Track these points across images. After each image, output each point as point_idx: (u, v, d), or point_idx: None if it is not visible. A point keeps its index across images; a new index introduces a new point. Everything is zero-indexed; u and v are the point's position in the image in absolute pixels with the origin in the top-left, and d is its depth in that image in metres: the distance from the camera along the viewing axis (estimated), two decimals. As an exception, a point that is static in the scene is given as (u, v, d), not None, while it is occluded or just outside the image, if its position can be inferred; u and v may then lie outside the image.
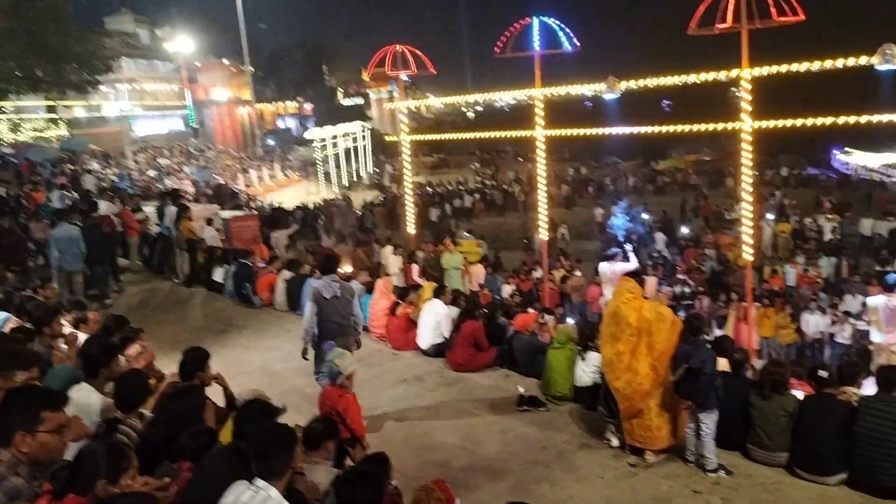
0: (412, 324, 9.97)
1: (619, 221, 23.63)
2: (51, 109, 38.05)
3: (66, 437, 3.38)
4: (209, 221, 16.07)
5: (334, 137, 41.11)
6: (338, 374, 5.91)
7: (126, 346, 6.29)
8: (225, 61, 55.94)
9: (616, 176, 38.28)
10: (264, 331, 11.26)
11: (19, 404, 3.27)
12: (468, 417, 7.61)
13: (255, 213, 22.45)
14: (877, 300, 9.77)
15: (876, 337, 9.75)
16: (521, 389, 7.90)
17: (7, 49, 16.97)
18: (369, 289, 10.97)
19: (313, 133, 41.85)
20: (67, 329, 7.08)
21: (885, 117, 10.39)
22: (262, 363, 9.61)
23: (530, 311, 11.52)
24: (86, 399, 4.90)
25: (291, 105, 66.04)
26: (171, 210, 14.39)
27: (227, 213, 18.98)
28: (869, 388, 6.18)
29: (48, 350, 6.26)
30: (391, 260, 16.01)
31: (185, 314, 12.49)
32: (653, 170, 40.71)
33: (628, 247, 12.95)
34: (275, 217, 24.11)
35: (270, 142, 55.16)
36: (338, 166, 41.10)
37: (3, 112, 31.41)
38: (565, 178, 37.28)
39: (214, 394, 5.47)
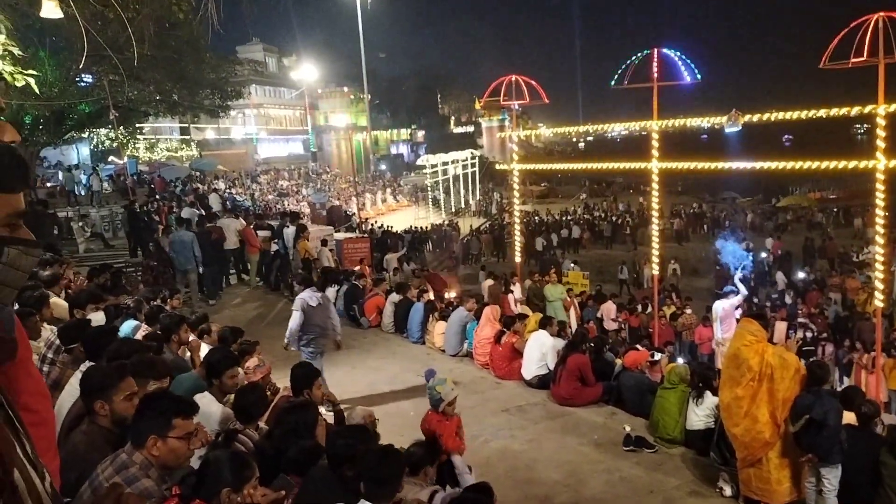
0: (517, 353, 9.92)
1: (732, 256, 22.67)
2: (184, 131, 40.86)
3: (194, 444, 3.57)
4: (324, 242, 16.67)
5: (444, 164, 41.86)
6: (439, 400, 5.96)
7: (244, 358, 6.61)
8: (345, 89, 58.27)
9: (733, 211, 36.80)
10: (371, 351, 11.51)
11: (154, 410, 3.49)
12: (572, 454, 7.45)
13: (367, 235, 23.09)
14: None
15: None
16: (628, 429, 7.68)
17: (149, 75, 18.45)
18: (476, 316, 11.01)
19: (425, 159, 42.76)
20: (191, 338, 7.50)
21: None
22: (369, 383, 9.82)
23: (639, 347, 11.24)
24: (208, 408, 5.16)
25: (405, 132, 67.83)
26: (290, 230, 15.03)
27: (340, 235, 19.64)
28: None
29: (176, 357, 6.65)
30: (487, 287, 15.98)
31: (297, 331, 12.94)
32: (773, 206, 38.90)
33: (739, 281, 12.31)
34: (384, 240, 24.70)
35: (383, 167, 56.75)
36: (447, 193, 41.75)
37: (142, 132, 33.96)
38: (678, 212, 36.23)
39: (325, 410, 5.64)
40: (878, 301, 10.78)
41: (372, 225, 30.93)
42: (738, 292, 11.97)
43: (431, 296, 13.84)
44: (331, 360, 10.83)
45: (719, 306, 12.21)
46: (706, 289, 23.42)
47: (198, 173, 33.05)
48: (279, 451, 4.38)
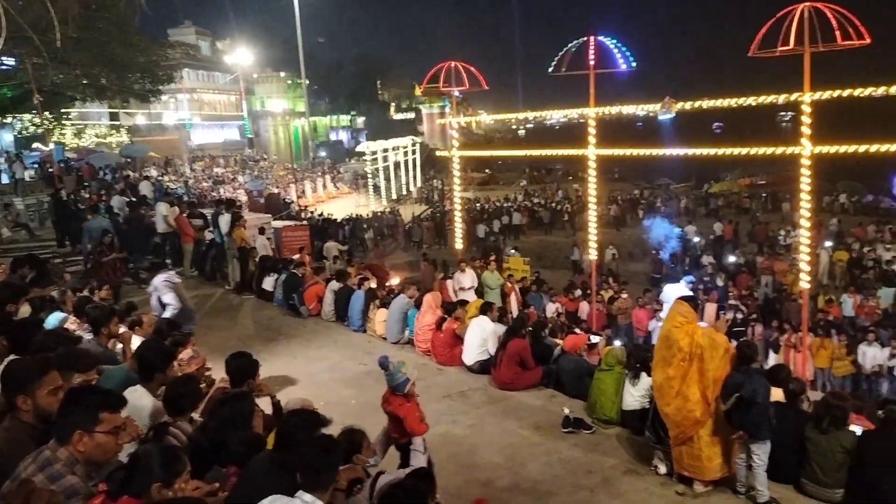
0: (458, 339, 9.95)
1: (662, 233, 23.35)
2: (113, 117, 39.41)
3: (122, 438, 3.45)
4: (261, 230, 16.35)
5: (385, 151, 41.61)
6: (406, 381, 5.94)
7: (177, 350, 6.43)
8: (282, 74, 57.23)
9: (667, 198, 37.74)
10: (312, 340, 11.38)
11: (79, 404, 3.35)
12: (512, 437, 7.53)
13: (306, 223, 22.78)
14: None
15: None
16: (567, 411, 7.80)
17: (75, 58, 17.71)
18: (417, 303, 10.99)
19: (365, 146, 42.41)
20: (122, 330, 7.26)
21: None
22: (309, 373, 9.69)
23: (578, 331, 11.41)
24: (139, 401, 5.00)
25: (345, 118, 67.10)
26: (225, 218, 14.69)
27: (278, 223, 19.30)
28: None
29: (106, 350, 6.43)
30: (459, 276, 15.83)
31: (234, 321, 12.70)
32: (706, 192, 40.06)
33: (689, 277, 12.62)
34: (325, 228, 24.44)
35: (323, 153, 56.07)
36: (387, 180, 41.53)
37: (69, 118, 32.60)
38: (615, 198, 36.94)
39: (262, 401, 5.53)
40: (804, 282, 11.22)
41: (311, 213, 30.55)
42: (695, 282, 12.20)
43: (373, 284, 13.75)
44: (270, 350, 10.69)
45: (670, 291, 12.44)
46: (642, 273, 24.00)
47: (128, 160, 31.95)
48: (215, 444, 4.28)
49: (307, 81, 52.59)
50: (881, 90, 9.73)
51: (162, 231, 15.02)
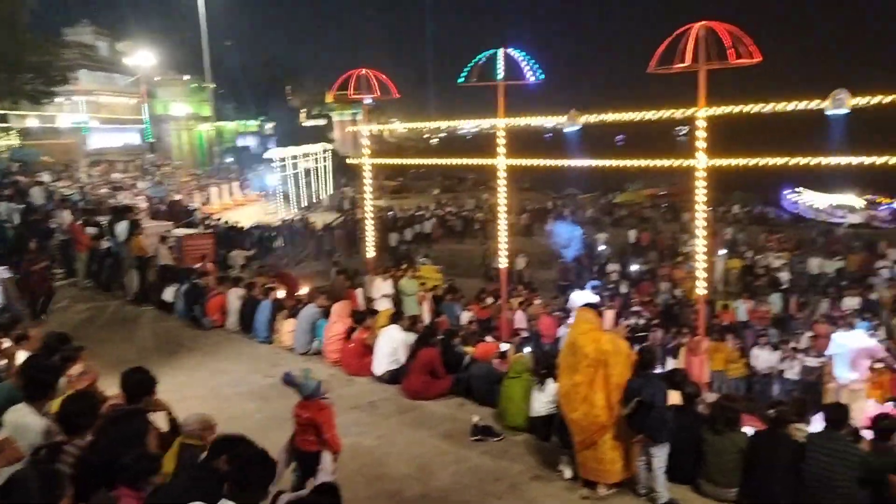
0: (368, 349, 9.85)
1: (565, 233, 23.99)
2: (2, 119, 36.94)
3: None
4: (162, 239, 15.72)
5: (295, 158, 40.88)
6: (319, 383, 5.80)
7: (66, 365, 6.06)
8: (186, 77, 55.34)
9: (575, 207, 38.78)
10: (215, 353, 11.00)
11: None
12: (422, 447, 7.51)
13: (210, 231, 22.05)
14: (844, 338, 10.04)
15: (837, 374, 9.98)
16: (476, 419, 7.84)
17: (-44, 55, 16.53)
18: (326, 313, 10.81)
19: (274, 153, 41.53)
20: (7, 344, 6.81)
21: (833, 160, 10.72)
22: (212, 386, 9.37)
23: (489, 339, 11.50)
24: (23, 420, 4.70)
25: (253, 123, 65.49)
26: (123, 226, 14.05)
27: (180, 231, 18.60)
28: (817, 424, 6.28)
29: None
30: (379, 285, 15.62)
31: (132, 334, 12.14)
32: (610, 202, 41.39)
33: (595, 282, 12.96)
34: (230, 236, 23.74)
35: (229, 159, 54.53)
36: (297, 187, 40.82)
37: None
38: (525, 207, 37.65)
39: (158, 418, 5.29)
40: (701, 289, 11.71)
41: (217, 220, 29.62)
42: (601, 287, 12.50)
43: (281, 293, 13.43)
44: (171, 363, 10.26)
45: (577, 299, 12.73)
46: (552, 280, 24.51)
47: (19, 164, 30.04)
48: (106, 464, 4.05)
49: (213, 85, 51.14)
50: (769, 107, 10.28)
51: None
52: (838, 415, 5.88)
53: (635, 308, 17.77)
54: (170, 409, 5.57)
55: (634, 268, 23.30)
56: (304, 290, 14.78)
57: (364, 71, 15.12)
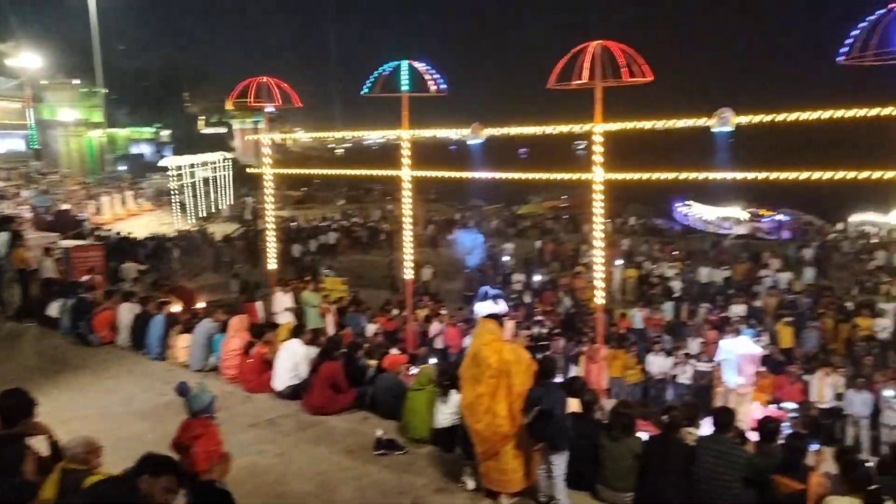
0: (267, 365, 9.56)
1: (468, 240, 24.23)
2: None
3: None
4: (47, 251, 14.80)
5: (192, 166, 39.47)
6: (213, 399, 5.53)
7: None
8: (76, 81, 52.51)
9: (480, 218, 39.29)
10: (103, 371, 10.41)
11: None
12: (323, 463, 7.34)
13: (100, 242, 20.95)
14: (731, 345, 10.52)
15: (725, 379, 10.45)
16: (379, 433, 7.74)
17: None
18: (223, 327, 10.43)
19: (170, 161, 39.95)
20: None
21: (719, 175, 11.36)
22: (100, 407, 8.85)
23: (394, 351, 11.41)
24: None
25: (148, 130, 62.82)
26: (3, 237, 13.13)
27: (68, 243, 17.58)
28: (706, 427, 6.56)
29: None
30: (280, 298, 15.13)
31: (13, 352, 11.35)
32: (514, 214, 42.19)
33: (496, 292, 13.05)
34: (122, 248, 22.64)
35: (122, 167, 52.11)
36: (195, 196, 39.43)
37: None
38: (431, 218, 37.82)
39: (38, 441, 4.93)
40: (599, 298, 12.08)
41: (108, 231, 28.20)
42: (497, 297, 12.61)
43: (176, 308, 12.88)
44: (55, 383, 9.63)
45: (480, 309, 12.80)
46: (457, 291, 24.68)
47: None
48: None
49: (105, 90, 48.81)
50: (661, 123, 10.74)
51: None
52: (725, 418, 6.16)
53: (538, 317, 18.13)
54: (51, 432, 5.19)
55: (537, 278, 23.78)
56: (200, 304, 14.25)
57: (265, 79, 14.81)
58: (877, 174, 8.79)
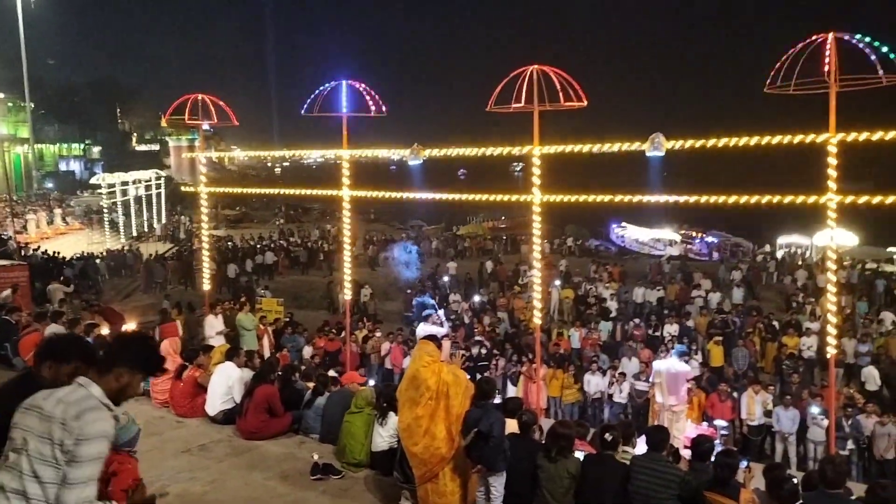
0: (200, 388, 9.28)
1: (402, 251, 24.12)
2: None
3: None
4: (-35, 271, 14.09)
5: (125, 184, 38.34)
6: (139, 432, 5.28)
7: None
8: (1, 95, 50.59)
9: (420, 239, 39.33)
10: (24, 397, 9.90)
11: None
12: (257, 490, 7.14)
13: (23, 262, 20.10)
14: (662, 365, 10.72)
15: (659, 398, 10.64)
16: (316, 457, 7.59)
17: None
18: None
19: (101, 178, 38.73)
20: None
21: (652, 198, 11.66)
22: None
23: (331, 372, 11.23)
24: None
25: (77, 147, 60.83)
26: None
27: (-11, 262, 16.80)
28: (641, 446, 6.65)
29: None
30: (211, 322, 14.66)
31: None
32: (454, 234, 42.43)
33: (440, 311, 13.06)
34: (48, 268, 21.77)
35: (49, 185, 50.27)
36: (127, 215, 38.28)
37: None
38: (371, 238, 37.65)
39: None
40: (537, 318, 12.21)
41: (34, 250, 27.10)
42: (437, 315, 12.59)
43: (105, 331, 12.39)
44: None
45: (422, 331, 12.77)
46: (397, 312, 24.57)
47: None
48: None
49: (32, 105, 47.12)
50: (596, 147, 10.99)
51: None
52: (658, 437, 6.26)
53: (478, 337, 18.19)
54: None
55: (476, 298, 23.89)
56: (130, 326, 13.76)
57: (200, 96, 14.55)
58: (800, 199, 9.16)
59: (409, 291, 24.05)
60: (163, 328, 13.35)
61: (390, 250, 26.04)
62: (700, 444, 6.37)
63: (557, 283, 25.21)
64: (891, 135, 8.40)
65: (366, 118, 13.46)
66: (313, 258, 33.59)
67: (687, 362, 11.74)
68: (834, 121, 8.69)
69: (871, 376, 15.63)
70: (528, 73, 10.68)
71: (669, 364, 11.44)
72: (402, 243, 25.63)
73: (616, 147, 10.74)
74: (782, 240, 35.01)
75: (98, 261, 28.44)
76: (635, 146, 10.38)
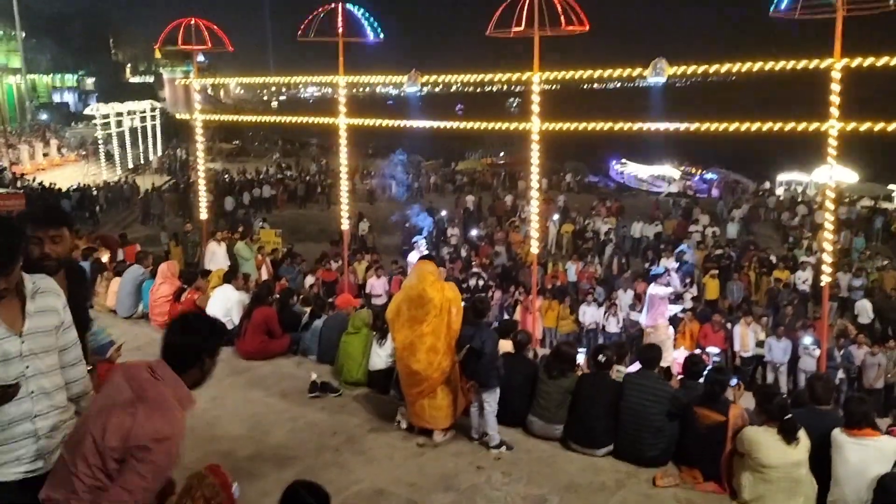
0: (200, 311, 9.36)
1: (420, 218, 24.17)
2: None
3: None
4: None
5: (119, 115, 37.83)
6: (110, 343, 5.34)
7: None
8: (-10, 22, 49.51)
9: (418, 174, 39.12)
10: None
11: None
12: (256, 406, 7.28)
13: (21, 192, 20.02)
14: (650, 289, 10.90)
15: (641, 319, 10.79)
16: (314, 376, 7.72)
17: None
18: (153, 273, 10.15)
19: (95, 109, 38.20)
20: None
21: (654, 125, 11.50)
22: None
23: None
24: None
25: (70, 78, 59.80)
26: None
27: (-15, 191, 16.74)
28: (634, 366, 6.77)
29: None
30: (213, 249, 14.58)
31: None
32: (452, 170, 42.18)
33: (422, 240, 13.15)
34: (45, 199, 21.70)
35: (44, 116, 49.63)
36: (122, 147, 37.92)
37: None
38: (370, 173, 37.46)
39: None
40: (534, 249, 12.23)
41: (29, 181, 26.97)
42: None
43: (105, 257, 12.45)
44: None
45: (413, 257, 12.91)
46: (395, 245, 24.63)
47: None
48: None
49: (23, 34, 46.09)
50: (597, 73, 10.82)
51: None
52: (649, 354, 6.38)
53: (475, 270, 18.28)
54: None
55: (474, 232, 23.94)
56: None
57: (193, 20, 14.18)
58: (801, 126, 9.02)
59: (407, 225, 24.04)
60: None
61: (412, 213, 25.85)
62: (692, 363, 6.49)
63: (556, 217, 25.20)
64: (896, 61, 8.26)
65: (363, 44, 13.20)
66: (311, 192, 33.47)
67: (667, 285, 11.84)
68: (839, 47, 8.52)
69: (864, 309, 15.81)
70: (528, -3, 10.41)
71: (651, 287, 11.68)
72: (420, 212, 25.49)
73: (617, 73, 10.57)
74: (782, 177, 34.83)
75: (95, 192, 28.35)
76: (637, 72, 10.22)
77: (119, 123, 37.80)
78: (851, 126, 8.62)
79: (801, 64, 8.91)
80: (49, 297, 3.08)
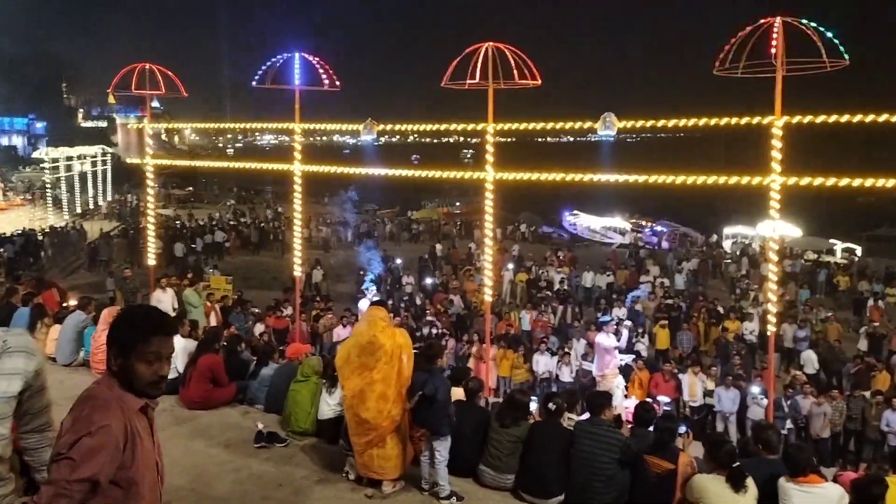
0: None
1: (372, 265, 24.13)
2: None
3: None
4: None
5: (69, 159, 37.12)
6: None
7: None
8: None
9: (374, 222, 39.15)
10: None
11: None
12: (199, 457, 7.01)
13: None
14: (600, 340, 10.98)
15: (593, 369, 10.83)
16: (260, 426, 7.50)
17: None
18: (95, 319, 9.82)
19: (44, 153, 37.42)
20: None
21: (604, 177, 11.69)
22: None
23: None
24: None
25: (20, 121, 58.64)
26: None
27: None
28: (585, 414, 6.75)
29: None
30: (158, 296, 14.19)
31: None
32: (409, 218, 42.38)
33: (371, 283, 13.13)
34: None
35: (-10, 159, 48.45)
36: (71, 192, 37.11)
37: None
38: (324, 220, 37.34)
39: None
40: (488, 297, 12.24)
41: (-30, 225, 26.09)
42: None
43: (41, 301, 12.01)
44: None
45: (364, 304, 12.80)
46: (348, 293, 24.40)
47: None
48: None
49: (-28, 75, 45.24)
50: (550, 125, 11.06)
51: None
52: (596, 402, 6.37)
53: (429, 318, 18.19)
54: None
55: (429, 280, 23.91)
56: (72, 302, 13.36)
57: (148, 66, 14.11)
58: (745, 179, 9.30)
59: (361, 272, 23.89)
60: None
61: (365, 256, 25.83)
62: (643, 411, 6.50)
63: (511, 266, 25.37)
64: (834, 118, 8.63)
65: (319, 92, 13.26)
66: (265, 239, 33.14)
67: (617, 334, 11.97)
68: (780, 104, 8.88)
69: (810, 360, 16.14)
70: (484, 51, 10.65)
71: (602, 339, 11.79)
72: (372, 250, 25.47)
73: (569, 125, 10.82)
74: (728, 230, 35.86)
75: (41, 237, 27.57)
76: (587, 125, 10.46)
77: (69, 168, 37.09)
78: (793, 180, 8.92)
79: (745, 120, 9.25)
80: (18, 359, 2.83)
